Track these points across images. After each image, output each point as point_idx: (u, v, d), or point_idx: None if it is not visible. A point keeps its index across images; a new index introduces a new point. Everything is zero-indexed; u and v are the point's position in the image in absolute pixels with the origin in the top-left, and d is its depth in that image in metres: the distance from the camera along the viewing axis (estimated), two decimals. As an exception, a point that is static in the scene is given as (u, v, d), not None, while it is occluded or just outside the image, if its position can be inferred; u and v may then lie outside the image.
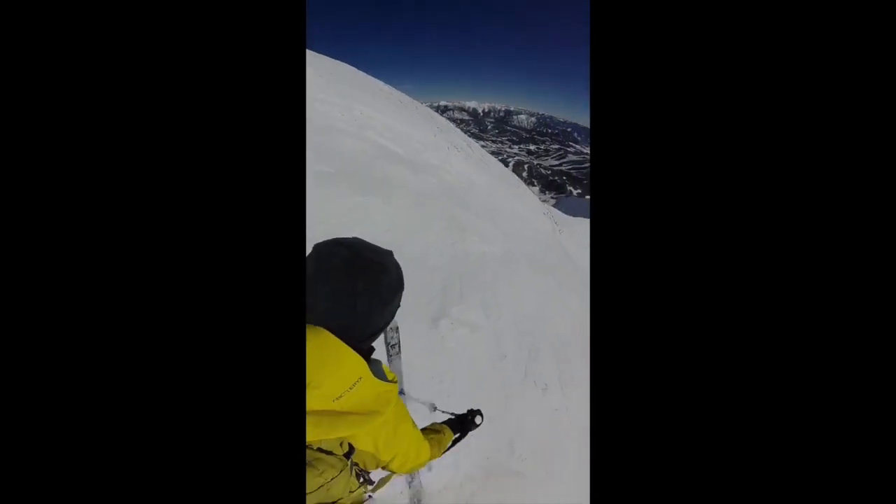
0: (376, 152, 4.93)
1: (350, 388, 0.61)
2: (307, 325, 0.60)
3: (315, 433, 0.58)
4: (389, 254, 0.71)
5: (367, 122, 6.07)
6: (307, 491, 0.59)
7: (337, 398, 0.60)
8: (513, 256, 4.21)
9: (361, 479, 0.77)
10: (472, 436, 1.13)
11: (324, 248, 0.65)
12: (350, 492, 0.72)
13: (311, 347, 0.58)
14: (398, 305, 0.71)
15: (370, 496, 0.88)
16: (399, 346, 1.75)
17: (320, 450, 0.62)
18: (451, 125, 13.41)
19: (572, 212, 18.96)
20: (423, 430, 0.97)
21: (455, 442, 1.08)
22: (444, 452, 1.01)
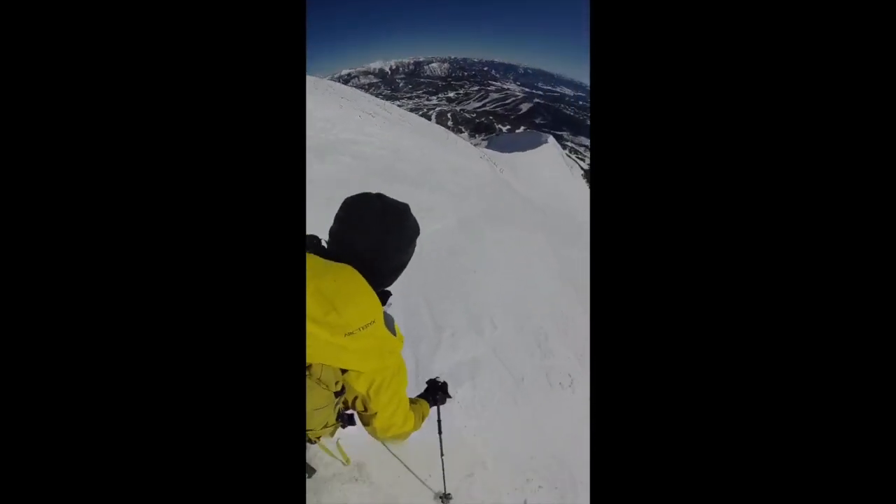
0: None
1: (362, 328, 0.67)
2: (336, 263, 0.71)
3: (320, 356, 0.66)
4: (407, 206, 0.79)
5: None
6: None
7: (349, 333, 0.66)
8: (471, 222, 3.77)
9: (341, 420, 0.82)
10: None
11: (357, 198, 0.76)
12: (325, 426, 0.78)
13: (339, 280, 0.68)
14: (414, 248, 0.81)
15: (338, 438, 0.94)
16: None
17: (319, 381, 0.69)
18: (359, 92, 12.37)
19: (506, 149, 18.74)
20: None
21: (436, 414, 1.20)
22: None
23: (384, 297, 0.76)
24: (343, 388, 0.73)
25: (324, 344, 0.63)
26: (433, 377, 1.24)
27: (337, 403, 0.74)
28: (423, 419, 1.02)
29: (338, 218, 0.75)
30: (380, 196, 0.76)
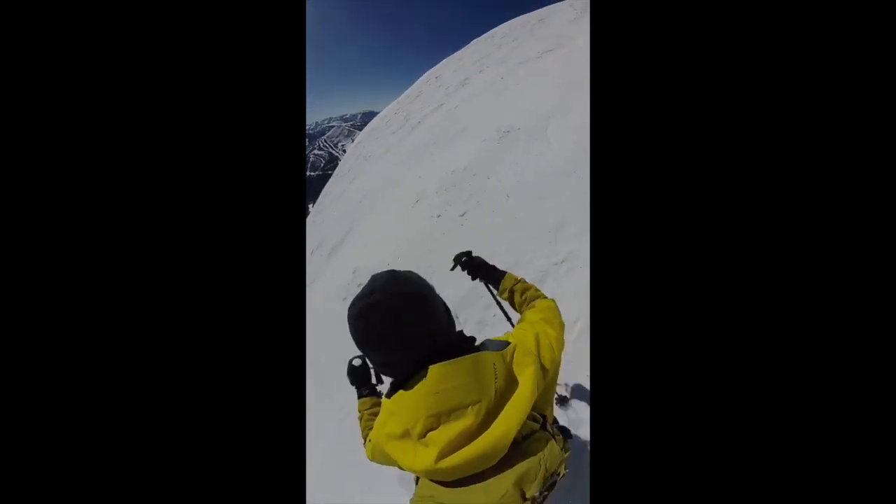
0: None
1: (496, 378, 0.62)
2: (437, 365, 0.61)
3: (508, 430, 0.58)
4: (400, 279, 0.67)
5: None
6: (531, 480, 0.57)
7: (494, 395, 0.61)
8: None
9: (563, 436, 0.76)
10: None
11: (363, 312, 0.63)
12: (564, 452, 0.70)
13: (452, 378, 0.60)
14: (441, 301, 0.72)
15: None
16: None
17: (524, 437, 0.62)
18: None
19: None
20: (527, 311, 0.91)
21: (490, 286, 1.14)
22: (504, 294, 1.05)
23: (470, 342, 0.70)
24: (543, 416, 0.67)
25: (508, 419, 0.59)
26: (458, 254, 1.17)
27: (552, 431, 0.67)
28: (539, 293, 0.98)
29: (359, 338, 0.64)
30: (386, 297, 0.63)
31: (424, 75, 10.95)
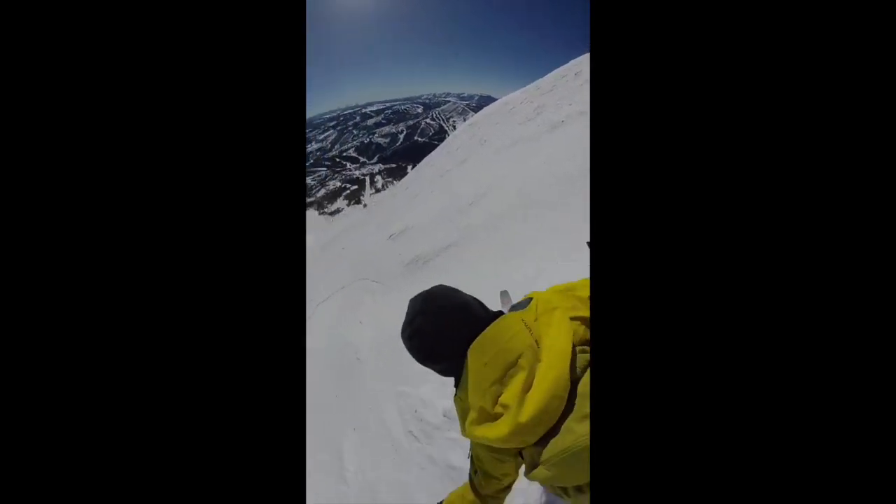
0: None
1: (529, 330, 0.69)
2: (473, 344, 0.71)
3: (560, 359, 0.65)
4: (432, 298, 0.79)
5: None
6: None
7: (534, 344, 0.67)
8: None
9: None
10: None
11: (413, 337, 0.77)
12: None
13: (488, 347, 0.69)
14: (473, 298, 0.83)
15: None
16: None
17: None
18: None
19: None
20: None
21: None
22: None
23: (495, 314, 0.79)
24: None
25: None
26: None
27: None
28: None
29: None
30: (420, 314, 0.76)
31: (560, 68, 9.97)
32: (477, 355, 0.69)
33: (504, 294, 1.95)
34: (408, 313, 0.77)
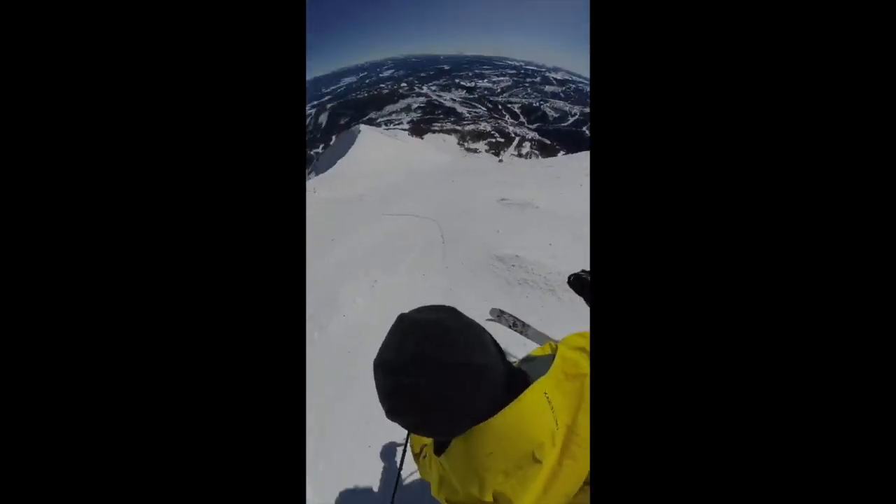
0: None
1: (552, 408, 0.56)
2: (478, 428, 0.54)
3: (584, 460, 0.56)
4: (413, 327, 0.56)
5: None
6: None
7: (556, 428, 0.56)
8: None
9: None
10: None
11: (396, 393, 0.54)
12: None
13: (500, 440, 0.54)
14: (489, 338, 0.60)
15: None
16: (518, 321, 1.58)
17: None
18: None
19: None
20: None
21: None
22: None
23: (517, 374, 0.62)
24: None
25: (582, 459, 0.56)
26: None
27: None
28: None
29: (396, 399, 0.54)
30: (420, 365, 0.52)
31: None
32: (480, 441, 0.54)
33: (497, 314, 1.75)
34: (398, 343, 0.54)
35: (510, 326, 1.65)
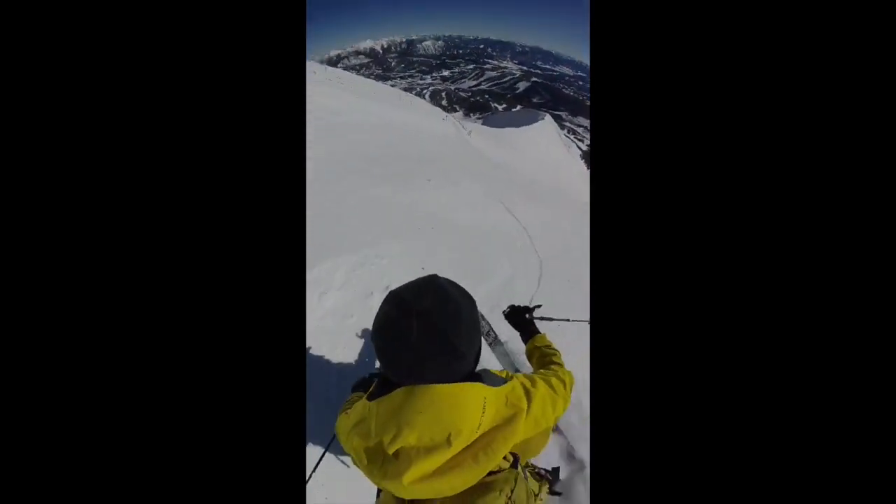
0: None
1: (483, 413, 0.59)
2: (422, 387, 0.57)
3: (482, 469, 0.59)
4: (443, 291, 0.63)
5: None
6: None
7: (477, 428, 0.59)
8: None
9: (540, 477, 0.83)
10: None
11: (395, 323, 0.59)
12: (535, 494, 0.75)
13: (435, 406, 0.57)
14: (480, 320, 0.67)
15: (559, 493, 0.92)
16: (493, 332, 1.59)
17: (490, 473, 0.61)
18: (349, 74, 12.58)
19: (500, 125, 19.19)
20: (542, 370, 0.91)
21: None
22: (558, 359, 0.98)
23: (476, 372, 0.65)
24: (514, 455, 0.67)
25: (471, 456, 0.58)
26: (513, 307, 1.17)
27: (524, 471, 0.68)
28: (566, 373, 0.86)
29: (382, 339, 0.60)
30: (422, 314, 0.58)
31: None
32: (419, 398, 0.57)
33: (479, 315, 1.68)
34: (418, 286, 0.62)
35: (483, 334, 1.62)
